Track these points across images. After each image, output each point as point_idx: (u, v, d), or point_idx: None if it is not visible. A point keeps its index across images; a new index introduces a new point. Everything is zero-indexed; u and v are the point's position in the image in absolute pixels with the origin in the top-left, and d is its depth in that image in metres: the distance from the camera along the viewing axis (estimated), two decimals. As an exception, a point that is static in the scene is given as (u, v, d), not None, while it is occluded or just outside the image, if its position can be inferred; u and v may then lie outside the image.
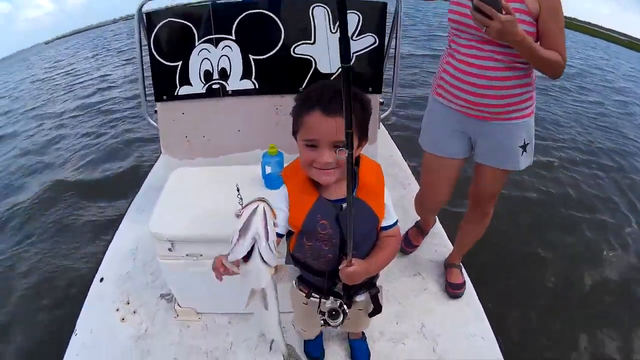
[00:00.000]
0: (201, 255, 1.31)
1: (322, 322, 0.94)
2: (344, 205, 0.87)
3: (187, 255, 1.31)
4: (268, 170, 1.48)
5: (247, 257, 0.66)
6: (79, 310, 1.62)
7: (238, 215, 0.66)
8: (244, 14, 1.59)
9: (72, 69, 10.33)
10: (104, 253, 1.92)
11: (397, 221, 0.97)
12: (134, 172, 3.79)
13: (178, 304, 1.56)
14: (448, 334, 1.49)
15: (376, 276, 1.02)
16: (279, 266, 0.73)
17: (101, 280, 1.75)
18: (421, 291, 1.71)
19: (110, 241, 1.99)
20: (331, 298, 0.93)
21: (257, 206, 0.63)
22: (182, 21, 1.61)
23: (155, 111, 1.79)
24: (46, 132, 5.59)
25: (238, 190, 0.71)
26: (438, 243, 1.98)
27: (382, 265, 0.94)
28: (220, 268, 0.74)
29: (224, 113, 1.76)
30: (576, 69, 8.64)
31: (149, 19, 1.62)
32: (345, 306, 0.92)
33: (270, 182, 1.49)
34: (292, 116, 0.87)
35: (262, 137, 1.62)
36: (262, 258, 0.65)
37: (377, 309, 0.99)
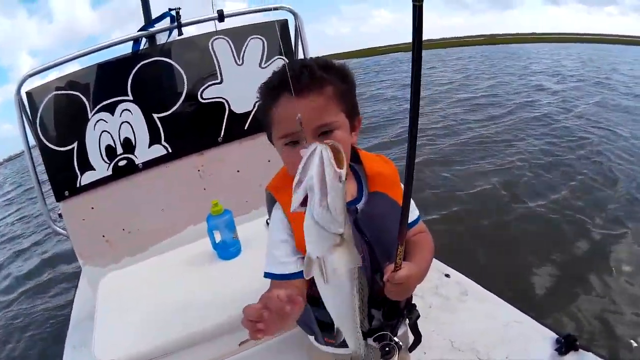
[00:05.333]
0: None
1: None
2: (358, 206, 0.74)
3: None
4: (218, 236, 1.19)
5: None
6: None
7: None
8: (137, 67, 1.38)
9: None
10: None
11: (419, 216, 0.83)
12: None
13: None
14: (483, 336, 1.32)
15: (412, 296, 0.83)
16: None
17: None
18: (427, 310, 1.49)
19: None
20: (369, 340, 0.74)
21: (315, 148, 0.48)
22: (69, 92, 1.35)
23: (60, 215, 1.48)
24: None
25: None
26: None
27: (428, 267, 0.77)
28: (256, 313, 0.48)
29: (140, 193, 1.49)
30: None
31: (30, 99, 1.34)
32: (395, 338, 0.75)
33: (225, 249, 1.22)
34: (259, 116, 0.72)
35: (192, 209, 1.41)
36: (314, 217, 0.48)
37: (418, 340, 0.85)
